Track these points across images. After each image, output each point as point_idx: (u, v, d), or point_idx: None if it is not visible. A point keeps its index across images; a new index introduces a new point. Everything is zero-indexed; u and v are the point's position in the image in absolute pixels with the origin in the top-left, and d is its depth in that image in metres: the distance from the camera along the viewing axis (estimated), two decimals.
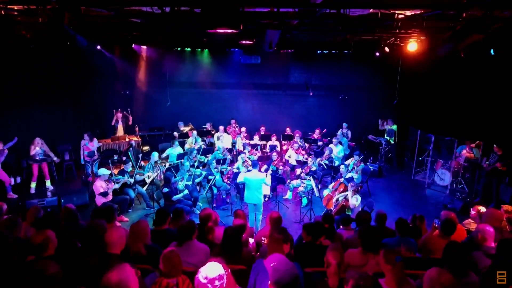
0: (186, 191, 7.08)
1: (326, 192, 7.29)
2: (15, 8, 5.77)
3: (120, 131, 10.79)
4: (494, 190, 7.67)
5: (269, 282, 2.36)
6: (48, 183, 8.55)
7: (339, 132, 10.88)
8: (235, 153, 10.30)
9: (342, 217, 4.86)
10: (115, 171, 7.97)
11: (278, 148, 10.27)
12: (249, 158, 8.64)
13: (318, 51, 10.76)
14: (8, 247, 3.02)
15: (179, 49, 11.11)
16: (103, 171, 6.94)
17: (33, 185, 8.30)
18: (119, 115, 10.81)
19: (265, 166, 7.80)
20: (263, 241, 4.22)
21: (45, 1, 5.06)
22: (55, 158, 8.71)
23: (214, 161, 8.34)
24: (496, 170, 7.52)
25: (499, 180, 7.64)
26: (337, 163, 9.27)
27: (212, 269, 2.41)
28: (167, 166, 8.36)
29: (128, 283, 2.36)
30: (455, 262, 2.87)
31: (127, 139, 10.51)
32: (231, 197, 7.85)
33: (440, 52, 7.19)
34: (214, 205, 7.59)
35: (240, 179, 6.67)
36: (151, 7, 6.15)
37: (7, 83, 8.40)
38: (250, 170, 6.71)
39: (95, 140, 9.31)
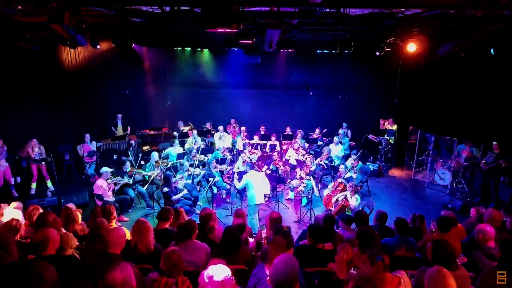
0: (185, 191, 7.08)
1: (326, 192, 7.29)
2: (15, 8, 5.76)
3: (119, 130, 10.79)
4: (493, 189, 7.68)
5: (267, 278, 2.38)
6: (49, 183, 8.51)
7: (341, 132, 10.88)
8: (235, 153, 10.29)
9: (342, 217, 4.86)
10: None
11: (278, 148, 10.27)
12: (250, 159, 8.63)
13: (318, 51, 10.76)
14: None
15: (179, 49, 11.10)
16: (106, 169, 6.93)
17: (33, 185, 8.27)
18: (119, 115, 10.83)
19: (265, 166, 7.80)
20: (263, 241, 4.21)
21: (45, 1, 5.05)
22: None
23: (214, 161, 8.33)
24: (494, 169, 7.52)
25: (497, 180, 7.64)
26: (337, 162, 9.27)
27: (218, 271, 2.41)
28: (167, 166, 8.36)
29: (131, 281, 2.38)
30: (441, 259, 2.89)
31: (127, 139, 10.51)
32: (231, 197, 7.85)
33: (440, 52, 7.18)
34: (214, 204, 7.59)
35: (242, 183, 6.59)
36: (151, 7, 6.15)
37: (7, 83, 8.38)
38: (247, 172, 6.69)
39: (93, 143, 9.26)
